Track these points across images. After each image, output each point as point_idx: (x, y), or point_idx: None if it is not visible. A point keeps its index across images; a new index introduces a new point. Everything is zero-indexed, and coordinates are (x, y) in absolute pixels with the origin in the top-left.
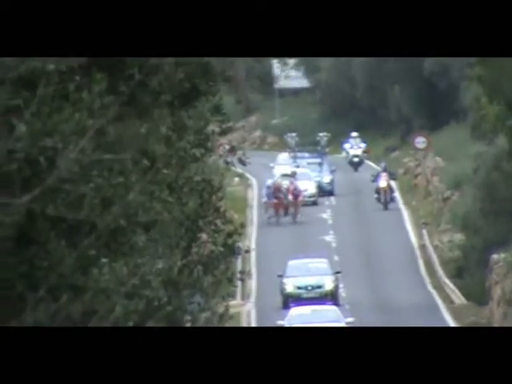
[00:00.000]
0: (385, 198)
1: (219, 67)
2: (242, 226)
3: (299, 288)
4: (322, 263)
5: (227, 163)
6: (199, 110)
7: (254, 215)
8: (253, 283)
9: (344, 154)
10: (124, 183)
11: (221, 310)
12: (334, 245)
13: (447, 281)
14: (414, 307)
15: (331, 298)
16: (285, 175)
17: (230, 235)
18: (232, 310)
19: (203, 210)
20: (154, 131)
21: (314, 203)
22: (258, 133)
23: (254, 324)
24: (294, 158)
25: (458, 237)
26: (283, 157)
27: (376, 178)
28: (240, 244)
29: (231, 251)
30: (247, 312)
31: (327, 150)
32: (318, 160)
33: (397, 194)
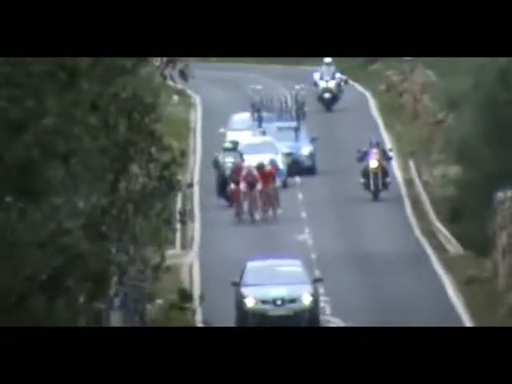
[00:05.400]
0: (375, 185)
1: None
2: (183, 154)
3: (264, 302)
4: (294, 266)
5: (164, 77)
6: None
7: (197, 142)
8: (196, 227)
9: (303, 86)
10: (37, 104)
11: (155, 260)
12: (300, 197)
13: (439, 225)
14: (399, 258)
15: (309, 316)
16: (227, 149)
17: (166, 166)
18: (170, 262)
19: (133, 134)
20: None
21: (283, 185)
22: None
23: (196, 278)
24: (259, 120)
25: (454, 170)
26: (241, 118)
27: (364, 155)
28: (180, 177)
29: (169, 186)
30: (189, 264)
31: (306, 109)
32: (293, 124)
33: (393, 179)
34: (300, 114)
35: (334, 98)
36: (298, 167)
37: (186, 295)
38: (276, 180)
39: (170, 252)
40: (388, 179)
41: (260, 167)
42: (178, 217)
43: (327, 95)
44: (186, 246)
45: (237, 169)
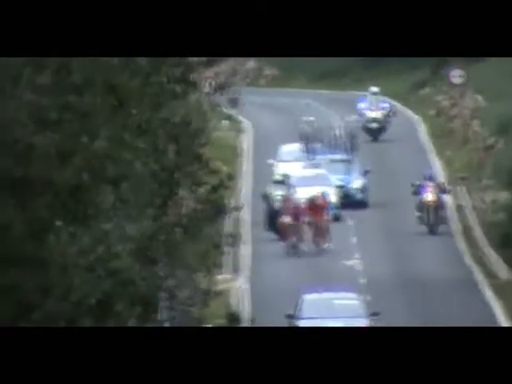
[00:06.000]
0: (432, 219)
1: None
2: (230, 177)
3: None
4: (351, 299)
5: (213, 105)
6: None
7: (247, 167)
8: (246, 252)
9: (356, 117)
10: (88, 128)
11: (205, 285)
12: (350, 224)
13: (490, 251)
14: (449, 284)
15: None
16: (277, 182)
17: (214, 189)
18: (219, 286)
19: (181, 158)
20: (127, 61)
21: (336, 218)
22: (251, 64)
23: (247, 304)
24: (312, 152)
25: (504, 195)
26: (289, 149)
27: (418, 188)
28: (228, 201)
29: (217, 209)
30: (239, 289)
31: (358, 141)
32: (346, 157)
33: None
34: (352, 146)
35: (382, 128)
36: (349, 200)
37: (234, 319)
38: (328, 213)
39: (219, 277)
40: (444, 212)
41: (311, 201)
42: (227, 240)
43: (374, 125)
44: (236, 270)
45: (286, 201)
